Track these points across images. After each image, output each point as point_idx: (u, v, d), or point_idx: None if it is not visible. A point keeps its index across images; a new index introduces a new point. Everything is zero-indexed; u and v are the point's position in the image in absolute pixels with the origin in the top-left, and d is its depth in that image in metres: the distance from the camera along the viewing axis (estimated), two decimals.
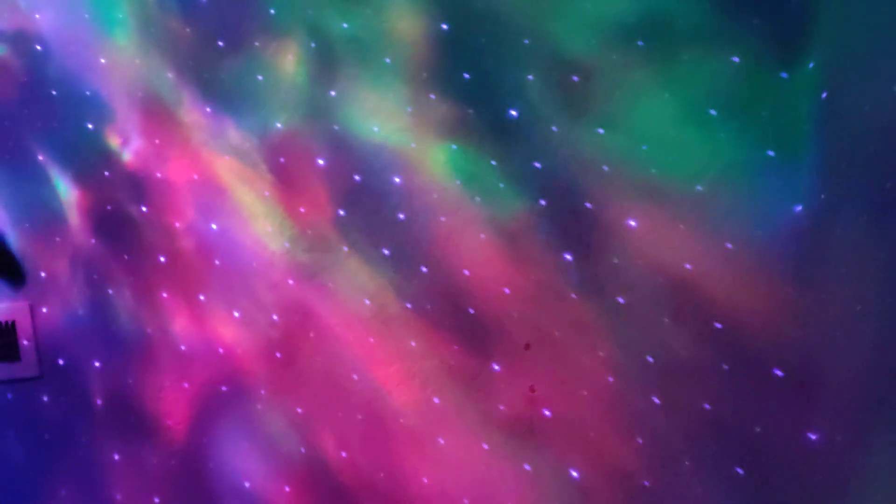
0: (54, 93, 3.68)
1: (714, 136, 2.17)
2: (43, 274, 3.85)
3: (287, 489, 3.17)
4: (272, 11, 2.97)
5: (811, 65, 2.09)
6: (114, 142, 3.54)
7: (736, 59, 2.12)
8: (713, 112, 2.17)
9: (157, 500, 3.50)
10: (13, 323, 3.55)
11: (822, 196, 2.09)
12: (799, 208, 2.10)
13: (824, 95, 2.07)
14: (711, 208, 2.20)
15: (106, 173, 3.57)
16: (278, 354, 3.11)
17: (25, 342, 3.46)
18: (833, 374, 2.07)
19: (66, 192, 3.70)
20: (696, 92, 2.20)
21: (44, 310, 3.52)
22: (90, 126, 3.58)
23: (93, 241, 3.66)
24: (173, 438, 3.27)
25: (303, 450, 3.11)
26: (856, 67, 2.05)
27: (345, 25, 2.77)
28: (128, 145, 3.46)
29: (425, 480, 2.82)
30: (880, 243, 2.02)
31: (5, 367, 3.45)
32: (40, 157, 3.74)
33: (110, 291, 3.65)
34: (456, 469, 2.74)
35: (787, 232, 2.12)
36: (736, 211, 2.17)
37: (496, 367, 2.62)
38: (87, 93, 3.53)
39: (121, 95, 3.48)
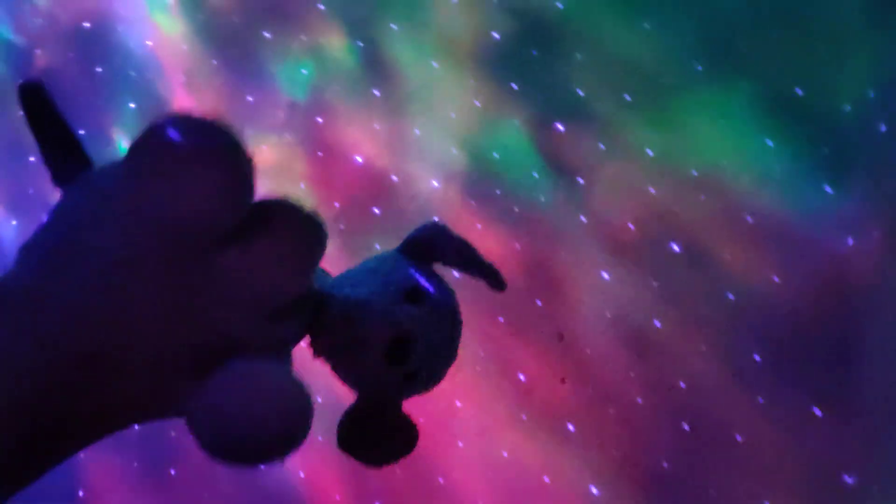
0: (99, 70, 3.48)
1: (769, 168, 1.96)
2: None
3: (301, 475, 2.98)
4: (321, 7, 2.76)
5: (871, 94, 1.88)
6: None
7: (800, 92, 1.91)
8: (770, 143, 1.96)
9: (172, 472, 3.31)
10: None
11: (875, 233, 1.89)
12: (850, 242, 1.90)
13: (883, 129, 1.87)
14: (760, 239, 2.00)
15: None
16: (301, 344, 2.92)
17: None
18: (875, 417, 1.87)
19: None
20: (753, 121, 1.99)
21: None
22: (132, 105, 3.38)
23: None
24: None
25: (320, 438, 2.91)
26: None
27: (393, 27, 2.56)
28: None
29: (441, 481, 2.63)
30: None
31: None
32: (82, 132, 3.53)
33: None
34: (473, 473, 2.54)
35: (837, 267, 1.91)
36: (785, 243, 1.97)
37: (522, 377, 2.42)
38: (132, 73, 3.33)
39: (165, 78, 3.27)
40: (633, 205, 2.19)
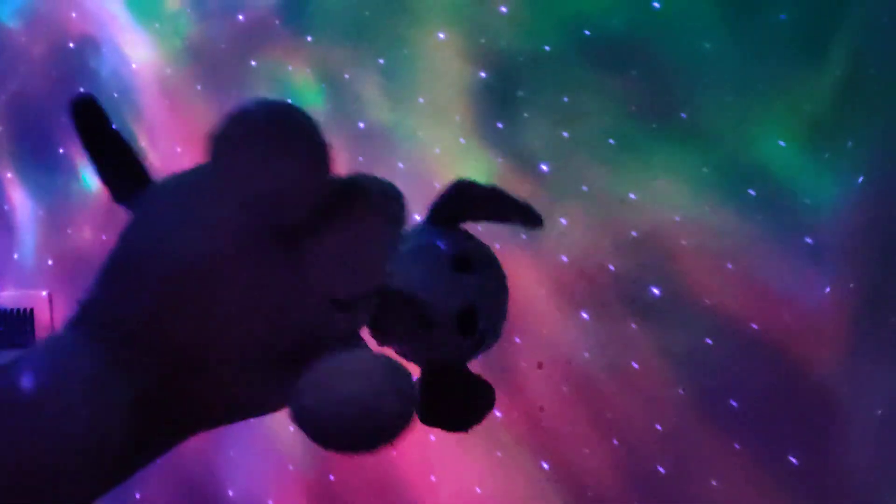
0: (81, 90, 3.37)
1: (751, 216, 1.92)
2: (50, 262, 3.53)
3: (270, 503, 2.87)
4: (309, 38, 2.69)
5: (849, 143, 1.85)
6: (137, 143, 3.23)
7: (782, 143, 1.88)
8: (752, 192, 1.92)
9: (137, 495, 3.18)
10: (31, 311, 3.24)
11: (852, 283, 1.85)
12: (827, 290, 1.86)
13: (860, 180, 1.84)
14: (739, 287, 1.95)
15: None
16: None
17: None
18: (850, 469, 1.82)
19: (89, 184, 3.39)
20: (736, 169, 1.95)
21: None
22: (114, 126, 3.27)
23: (103, 237, 3.35)
24: None
25: (290, 467, 2.81)
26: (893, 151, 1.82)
27: (381, 61, 2.50)
28: (152, 149, 3.16)
29: None
30: None
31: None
32: (61, 150, 3.43)
33: None
34: None
35: (814, 315, 1.87)
36: (764, 291, 1.92)
37: (497, 413, 2.34)
38: (115, 94, 3.22)
39: (148, 100, 3.18)
40: (615, 247, 2.13)
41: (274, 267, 0.81)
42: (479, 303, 1.02)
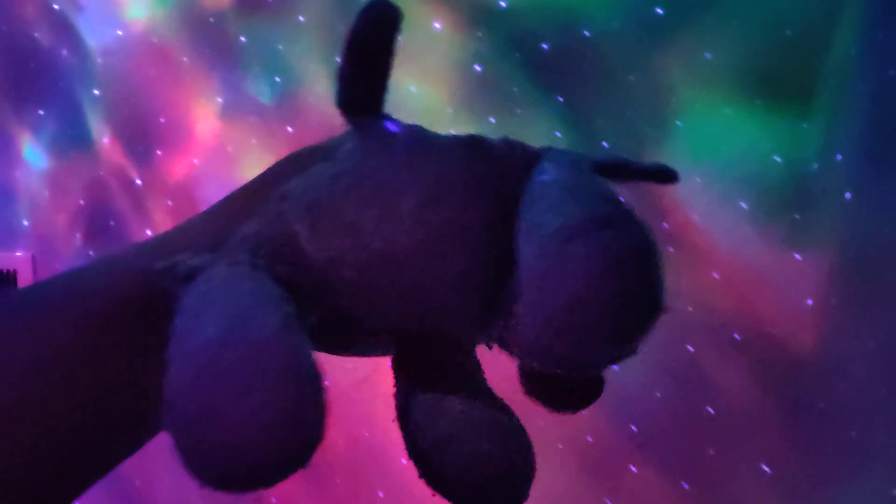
0: (64, 53, 3.15)
1: (741, 230, 1.82)
2: (26, 223, 3.32)
3: None
4: (301, 18, 2.50)
5: (839, 157, 1.77)
6: (120, 111, 3.03)
7: (778, 160, 1.78)
8: (744, 205, 1.83)
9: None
10: (14, 272, 3.04)
11: (833, 299, 1.77)
12: (809, 302, 1.78)
13: (848, 196, 1.76)
14: (724, 296, 1.86)
15: (105, 140, 3.06)
16: None
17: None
18: (822, 483, 1.76)
19: (62, 152, 3.18)
20: (729, 183, 1.85)
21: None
22: (96, 92, 3.07)
23: (80, 202, 3.16)
24: None
25: None
26: (882, 169, 1.74)
27: None
28: (133, 118, 2.97)
29: (381, 495, 2.43)
30: (891, 365, 1.71)
31: None
32: (41, 112, 3.21)
33: (91, 253, 3.16)
34: (414, 490, 2.35)
35: (795, 328, 1.79)
36: (748, 303, 1.84)
37: None
38: (99, 60, 3.01)
39: (132, 69, 2.97)
40: None
41: (489, 274, 0.64)
42: None
